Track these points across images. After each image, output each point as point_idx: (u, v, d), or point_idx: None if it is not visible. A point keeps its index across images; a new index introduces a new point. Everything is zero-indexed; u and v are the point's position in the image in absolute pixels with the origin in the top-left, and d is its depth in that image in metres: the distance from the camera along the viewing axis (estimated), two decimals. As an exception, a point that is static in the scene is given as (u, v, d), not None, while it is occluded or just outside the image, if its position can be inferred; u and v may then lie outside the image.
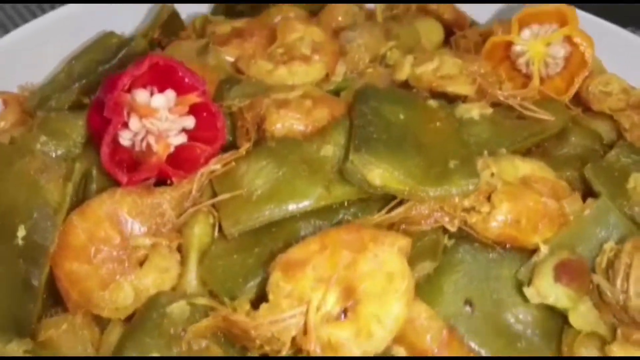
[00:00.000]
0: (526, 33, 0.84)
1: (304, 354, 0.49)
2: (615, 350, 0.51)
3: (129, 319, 0.57)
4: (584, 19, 1.01)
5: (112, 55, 0.82)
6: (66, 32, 0.93)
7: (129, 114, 0.62)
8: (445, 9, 1.05)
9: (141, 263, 0.59)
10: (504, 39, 0.85)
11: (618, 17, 1.08)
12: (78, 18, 0.95)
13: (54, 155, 0.66)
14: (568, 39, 0.83)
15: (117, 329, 0.57)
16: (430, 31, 1.00)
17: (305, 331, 0.49)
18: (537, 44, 0.83)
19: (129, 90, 0.63)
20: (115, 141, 0.62)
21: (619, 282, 0.54)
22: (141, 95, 0.62)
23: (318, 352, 0.48)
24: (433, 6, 1.05)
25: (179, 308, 0.55)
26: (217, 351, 0.53)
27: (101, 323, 0.58)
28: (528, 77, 0.86)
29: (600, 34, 0.90)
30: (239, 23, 0.94)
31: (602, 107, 0.81)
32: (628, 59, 0.97)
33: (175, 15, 0.98)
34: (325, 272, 0.52)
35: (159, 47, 0.92)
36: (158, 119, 0.62)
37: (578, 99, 0.85)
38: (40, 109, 0.75)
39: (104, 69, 0.80)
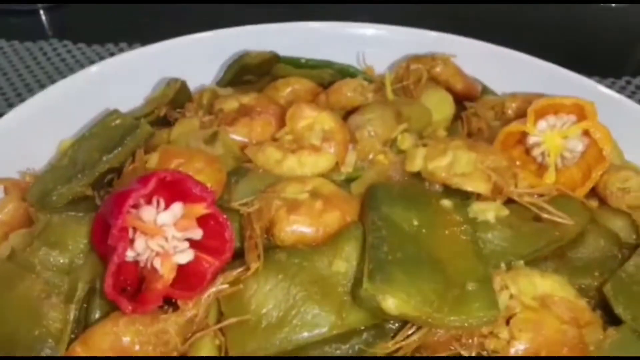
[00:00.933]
0: (542, 124, 0.82)
1: None
2: None
3: None
4: (551, 70, 1.04)
5: (116, 143, 0.80)
6: (67, 109, 0.91)
7: (134, 231, 0.60)
8: (457, 80, 1.04)
9: (146, 394, 0.57)
10: (518, 129, 0.83)
11: (584, 68, 1.09)
12: (79, 92, 0.94)
13: (56, 264, 0.64)
14: (586, 132, 0.81)
15: None
16: (441, 104, 0.99)
17: None
18: (553, 136, 0.81)
19: (136, 206, 0.60)
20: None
21: None
22: (147, 214, 0.60)
23: None
24: (443, 77, 1.03)
25: None
26: None
27: None
28: (543, 165, 0.84)
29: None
30: (247, 98, 0.92)
31: (619, 204, 0.79)
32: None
33: (183, 87, 0.97)
34: None
35: (165, 125, 0.90)
36: (164, 237, 0.60)
37: (593, 192, 0.83)
38: (41, 205, 0.73)
39: (107, 158, 0.78)
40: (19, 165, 0.84)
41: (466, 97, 1.03)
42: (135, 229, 0.60)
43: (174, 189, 0.63)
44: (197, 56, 1.07)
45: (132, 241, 0.60)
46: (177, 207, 0.62)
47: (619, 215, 0.79)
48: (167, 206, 0.62)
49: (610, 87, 1.37)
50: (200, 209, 0.64)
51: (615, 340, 0.59)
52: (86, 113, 0.94)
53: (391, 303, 0.58)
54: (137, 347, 0.57)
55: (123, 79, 1.00)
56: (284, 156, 0.80)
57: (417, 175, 0.80)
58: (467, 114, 0.98)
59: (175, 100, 0.94)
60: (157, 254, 0.60)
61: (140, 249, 0.59)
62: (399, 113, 0.90)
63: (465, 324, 0.58)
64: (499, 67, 1.08)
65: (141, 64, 1.02)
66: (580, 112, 0.81)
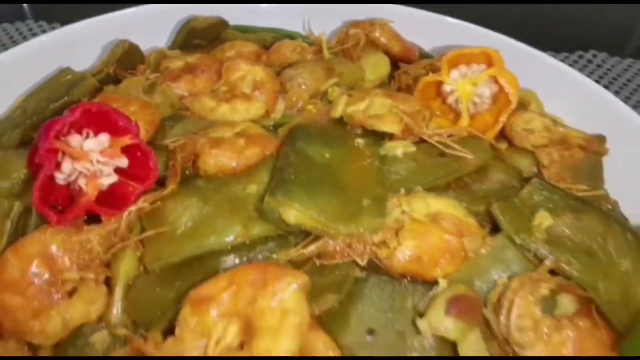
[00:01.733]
0: (455, 74, 0.89)
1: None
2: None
3: (57, 344, 0.62)
4: (514, 46, 1.10)
5: (63, 94, 0.87)
6: (24, 71, 0.99)
7: (63, 155, 0.67)
8: (394, 44, 1.11)
9: (70, 294, 0.64)
10: (434, 79, 0.90)
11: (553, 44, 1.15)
12: (44, 50, 1.01)
13: (-2, 190, 0.72)
14: (494, 79, 0.88)
15: (46, 354, 0.62)
16: (377, 65, 1.06)
17: None
18: (464, 84, 0.89)
19: (66, 134, 0.68)
20: (51, 180, 0.67)
21: (502, 317, 0.59)
22: (74, 140, 0.67)
23: (214, 383, 0.53)
24: (382, 40, 1.10)
25: (100, 338, 0.60)
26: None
27: (32, 347, 0.63)
28: (458, 114, 0.91)
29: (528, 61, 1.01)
30: (192, 58, 0.99)
31: (524, 144, 0.87)
32: (555, 83, 1.04)
33: (133, 49, 1.04)
34: (229, 308, 0.56)
35: (114, 82, 0.97)
36: (89, 161, 0.67)
37: (503, 135, 0.90)
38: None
39: (54, 106, 0.86)
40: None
41: (404, 60, 1.10)
42: (64, 154, 0.67)
43: (102, 123, 0.70)
44: (153, 25, 1.14)
45: (59, 164, 0.67)
46: (103, 137, 0.69)
47: (523, 154, 0.86)
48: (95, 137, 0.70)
49: (563, 61, 1.44)
50: (126, 139, 0.71)
51: (492, 246, 0.66)
52: (42, 75, 1.01)
53: (290, 214, 0.65)
54: (61, 254, 0.64)
55: (80, 46, 1.07)
56: (218, 104, 0.88)
57: (340, 120, 0.87)
58: (399, 73, 1.05)
59: (124, 60, 1.01)
60: (83, 175, 0.67)
61: (67, 171, 0.67)
62: (330, 69, 0.97)
63: (355, 232, 0.65)
64: (431, 32, 1.16)
65: (97, 32, 1.09)
66: (489, 60, 0.88)
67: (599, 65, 1.55)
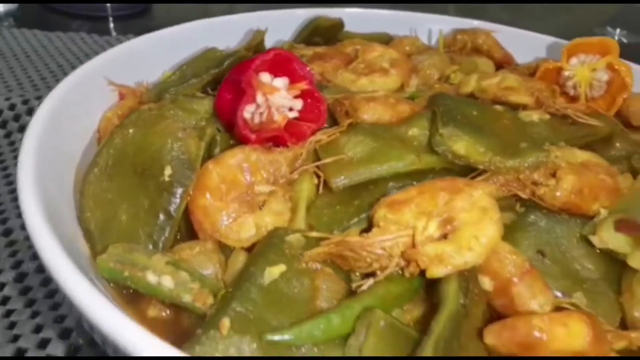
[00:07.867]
0: (574, 61, 0.98)
1: (411, 267, 0.59)
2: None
3: (249, 249, 0.68)
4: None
5: (221, 62, 0.96)
6: (171, 47, 1.09)
7: (255, 92, 0.75)
8: (495, 50, 1.21)
9: (261, 206, 0.70)
10: (555, 65, 0.99)
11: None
12: (183, 36, 1.12)
13: (187, 123, 0.79)
14: (610, 66, 0.96)
15: (240, 255, 0.67)
16: (484, 66, 1.15)
17: (413, 246, 0.59)
18: (583, 69, 0.97)
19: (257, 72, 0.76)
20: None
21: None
22: (265, 77, 0.76)
23: (426, 262, 0.58)
24: (485, 46, 1.21)
25: (295, 238, 0.65)
26: (329, 271, 0.62)
27: (226, 251, 0.68)
28: (574, 100, 0.99)
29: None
30: (320, 49, 1.09)
31: (641, 122, 0.94)
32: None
33: (262, 40, 1.14)
34: (426, 208, 0.62)
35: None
36: (279, 95, 0.75)
37: (618, 118, 0.97)
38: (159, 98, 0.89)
39: (214, 72, 0.94)
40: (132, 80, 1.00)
41: (504, 63, 1.20)
42: (255, 91, 0.75)
43: (284, 69, 0.79)
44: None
45: (252, 99, 0.75)
46: (285, 80, 0.78)
47: (640, 132, 0.93)
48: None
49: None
50: (303, 85, 0.79)
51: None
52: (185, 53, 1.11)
53: (461, 145, 0.72)
54: (256, 168, 0.70)
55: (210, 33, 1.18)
56: (358, 77, 0.97)
57: (470, 97, 0.95)
58: (509, 70, 1.14)
59: (257, 48, 1.11)
60: (273, 107, 0.75)
61: (260, 102, 0.75)
62: (452, 58, 1.07)
63: (520, 165, 0.71)
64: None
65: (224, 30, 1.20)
66: (605, 50, 0.97)
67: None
